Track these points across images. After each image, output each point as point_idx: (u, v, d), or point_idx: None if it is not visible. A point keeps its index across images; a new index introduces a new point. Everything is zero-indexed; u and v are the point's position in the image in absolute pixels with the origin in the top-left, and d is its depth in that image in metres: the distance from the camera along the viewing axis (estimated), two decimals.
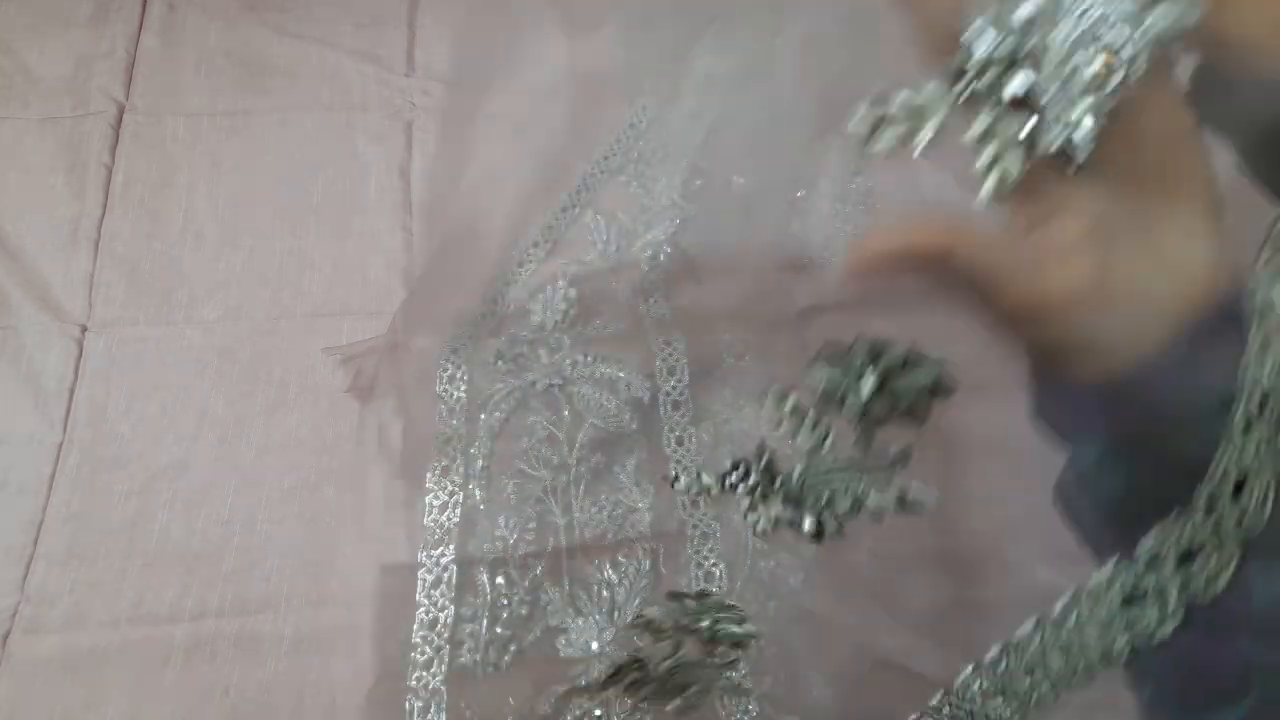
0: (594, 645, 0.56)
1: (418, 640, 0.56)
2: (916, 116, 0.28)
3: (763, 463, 0.31)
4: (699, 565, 0.57)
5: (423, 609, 0.57)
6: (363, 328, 0.66)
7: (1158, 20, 0.25)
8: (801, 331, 0.65)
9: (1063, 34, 0.26)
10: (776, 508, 0.31)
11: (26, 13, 0.81)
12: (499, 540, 0.59)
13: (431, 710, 0.54)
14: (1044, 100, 0.27)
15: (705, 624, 0.35)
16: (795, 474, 0.31)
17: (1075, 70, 0.26)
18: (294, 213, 0.72)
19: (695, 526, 0.59)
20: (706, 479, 0.32)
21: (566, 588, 0.58)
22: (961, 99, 0.27)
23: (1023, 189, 0.27)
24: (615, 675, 0.35)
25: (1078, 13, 0.26)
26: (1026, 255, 0.28)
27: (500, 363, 0.65)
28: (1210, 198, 0.28)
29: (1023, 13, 0.26)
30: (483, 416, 0.63)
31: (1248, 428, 0.26)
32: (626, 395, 0.62)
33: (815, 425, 0.31)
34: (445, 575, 0.58)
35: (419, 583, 0.58)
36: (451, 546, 0.58)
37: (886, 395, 0.30)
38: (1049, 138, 0.26)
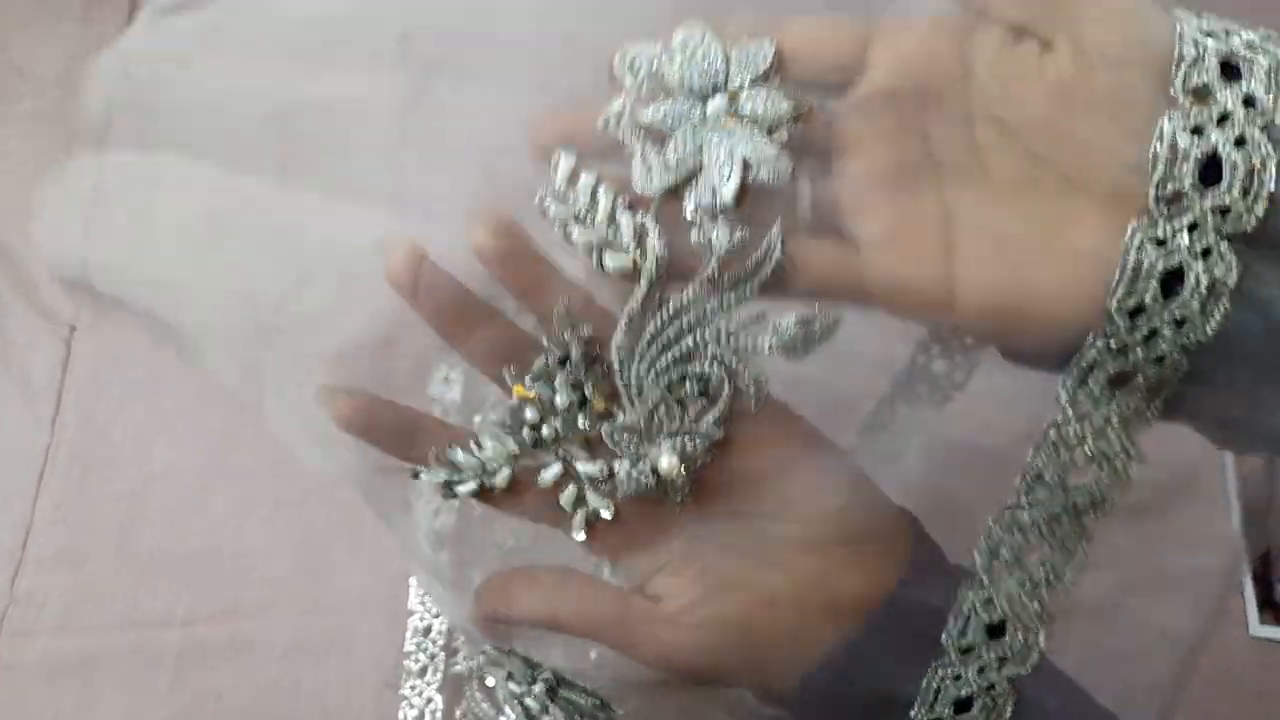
0: (592, 654, 0.55)
1: (411, 648, 0.55)
2: (486, 473, 0.28)
3: None
4: None
5: (416, 616, 0.56)
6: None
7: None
8: None
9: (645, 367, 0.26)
10: None
11: (16, 7, 0.80)
12: (494, 545, 0.58)
13: (426, 719, 0.54)
14: (621, 443, 0.26)
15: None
16: None
17: (658, 411, 0.26)
18: None
19: None
20: None
21: None
22: (523, 452, 0.27)
23: (628, 523, 0.27)
24: None
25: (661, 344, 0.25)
26: (634, 620, 0.28)
27: None
28: (847, 519, 0.27)
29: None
30: (477, 419, 0.62)
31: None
32: None
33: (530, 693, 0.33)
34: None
35: (412, 590, 0.57)
36: (446, 553, 0.57)
37: (562, 701, 0.32)
38: (632, 478, 0.26)
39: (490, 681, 0.54)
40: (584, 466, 0.27)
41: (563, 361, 0.26)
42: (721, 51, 0.24)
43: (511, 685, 0.33)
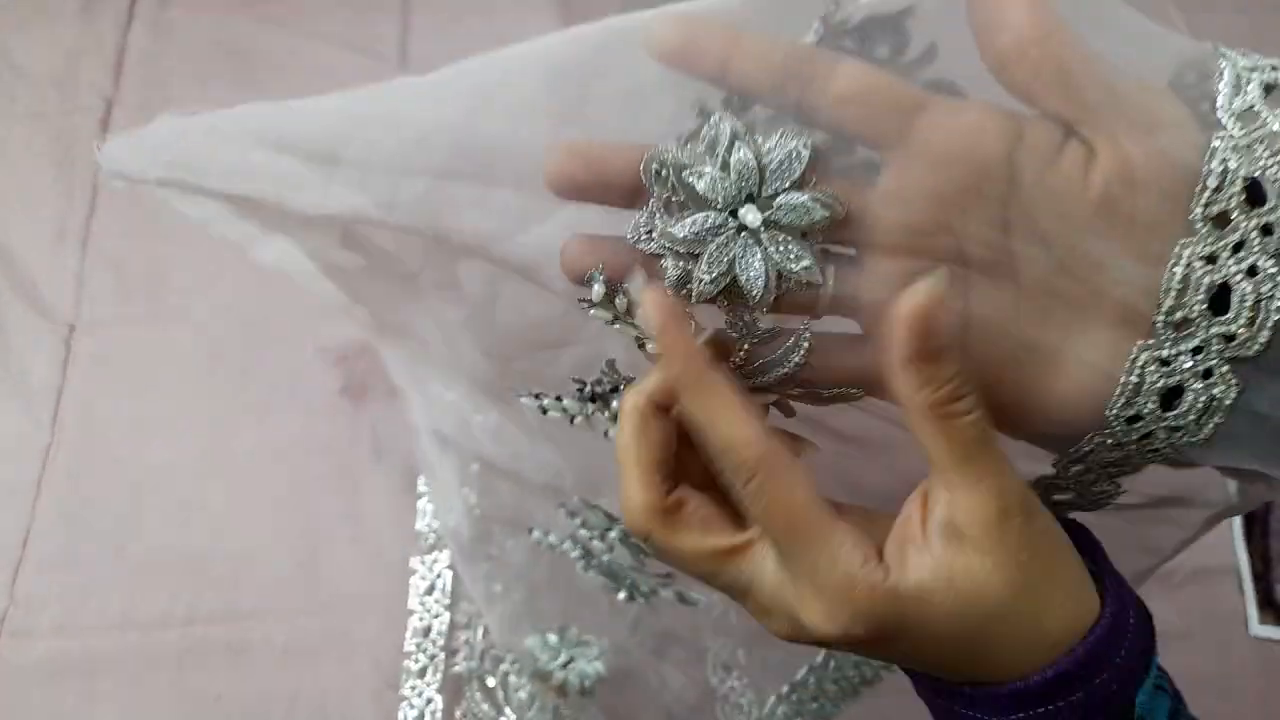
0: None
1: (411, 648, 0.55)
2: (565, 413, 0.33)
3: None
4: None
5: (416, 616, 0.56)
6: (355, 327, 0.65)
7: None
8: None
9: None
10: (600, 580, 0.39)
11: (13, 6, 0.80)
12: (494, 546, 0.58)
13: (426, 719, 0.53)
14: None
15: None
16: (606, 559, 0.39)
17: None
18: None
19: None
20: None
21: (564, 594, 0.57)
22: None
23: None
24: None
25: None
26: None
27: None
28: None
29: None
30: (478, 418, 0.62)
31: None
32: None
33: (602, 538, 0.38)
34: (439, 582, 0.57)
35: (412, 589, 0.57)
36: (446, 552, 0.57)
37: (633, 542, 0.37)
38: None
39: (491, 682, 0.54)
40: None
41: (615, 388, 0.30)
42: (754, 160, 0.24)
43: (585, 531, 0.39)
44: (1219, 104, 0.22)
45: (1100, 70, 0.22)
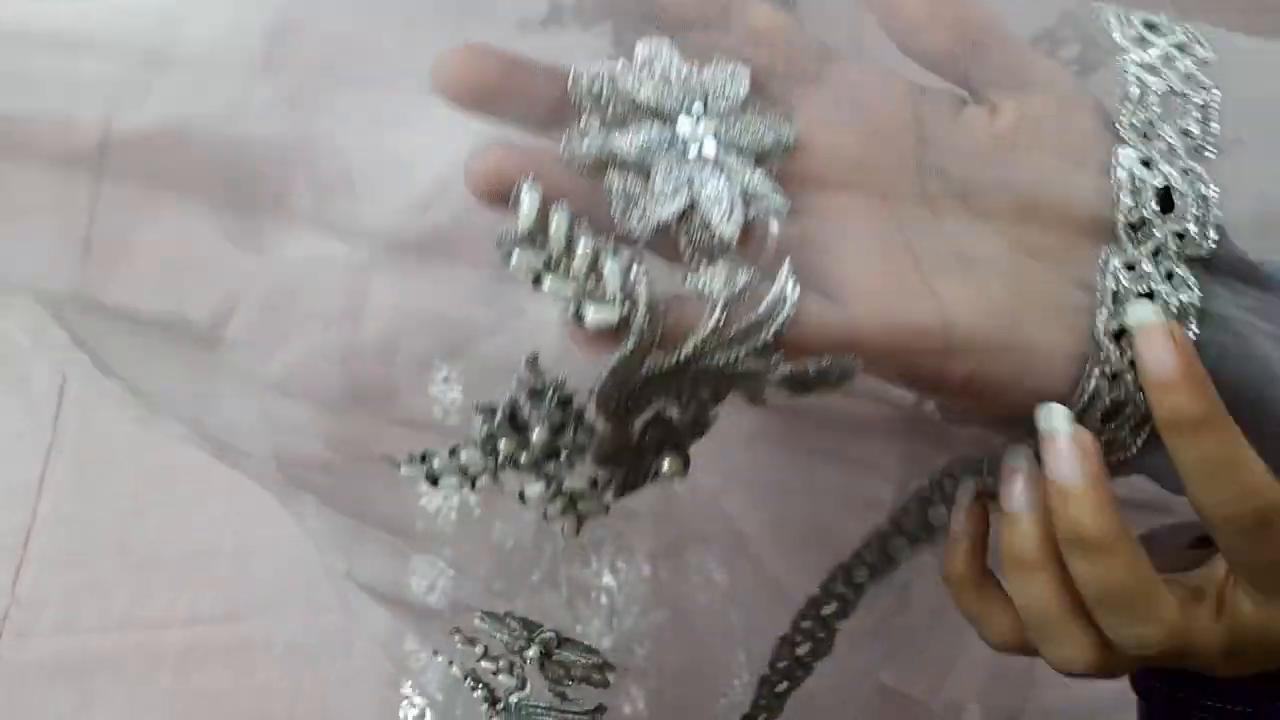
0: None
1: (413, 647, 0.55)
2: (466, 476, 0.25)
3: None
4: (698, 570, 0.57)
5: None
6: None
7: None
8: None
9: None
10: None
11: None
12: (495, 545, 0.58)
13: (427, 718, 0.53)
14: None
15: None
16: (514, 700, 0.34)
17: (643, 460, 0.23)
18: None
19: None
20: None
21: (564, 593, 0.57)
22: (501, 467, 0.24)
23: None
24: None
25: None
26: None
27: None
28: None
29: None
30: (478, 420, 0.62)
31: None
32: None
33: (510, 671, 0.33)
34: (440, 581, 0.57)
35: (414, 588, 0.57)
36: (446, 551, 0.57)
37: (554, 664, 0.33)
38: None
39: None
40: (570, 482, 0.24)
41: (537, 394, 0.24)
42: (695, 73, 0.21)
43: (488, 664, 0.34)
44: (1113, 35, 0.24)
45: (1004, 31, 0.24)
